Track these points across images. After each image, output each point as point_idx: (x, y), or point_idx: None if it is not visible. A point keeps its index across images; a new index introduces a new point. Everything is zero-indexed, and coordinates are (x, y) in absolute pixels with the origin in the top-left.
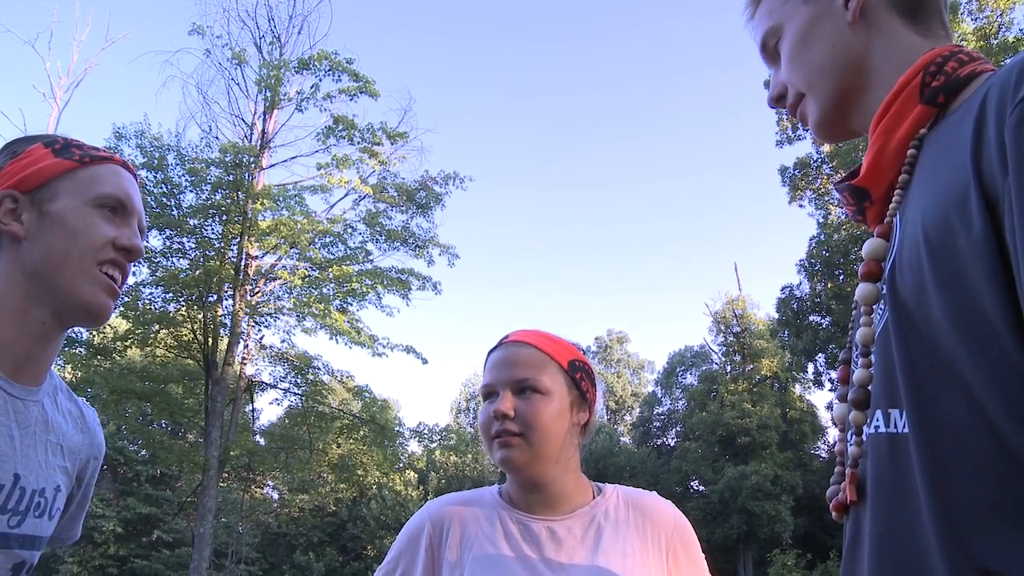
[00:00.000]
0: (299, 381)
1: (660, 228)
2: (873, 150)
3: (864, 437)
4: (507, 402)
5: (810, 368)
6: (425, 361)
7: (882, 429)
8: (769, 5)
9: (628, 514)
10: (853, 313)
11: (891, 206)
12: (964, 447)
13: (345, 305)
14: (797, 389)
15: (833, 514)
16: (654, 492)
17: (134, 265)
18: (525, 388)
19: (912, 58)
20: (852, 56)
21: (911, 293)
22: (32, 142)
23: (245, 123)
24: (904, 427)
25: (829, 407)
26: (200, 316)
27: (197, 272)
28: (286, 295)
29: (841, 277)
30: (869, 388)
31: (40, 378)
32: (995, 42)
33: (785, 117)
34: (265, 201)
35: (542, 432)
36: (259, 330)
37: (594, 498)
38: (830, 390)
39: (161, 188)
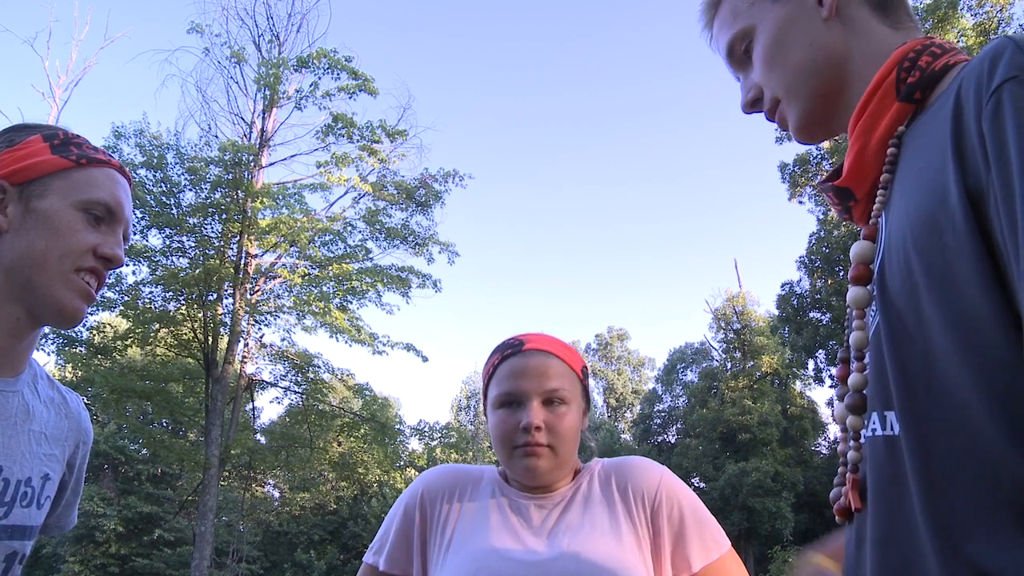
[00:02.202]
0: (299, 379)
1: (660, 225)
2: (853, 151)
3: (862, 440)
4: (538, 414)
5: (810, 364)
6: (425, 359)
7: (879, 432)
8: (732, 8)
9: (609, 480)
10: (847, 314)
11: (875, 207)
12: (954, 448)
13: (345, 303)
14: (798, 386)
15: (836, 518)
16: (644, 457)
17: (133, 263)
18: (554, 399)
19: (886, 52)
20: (831, 55)
21: (900, 294)
22: (32, 132)
23: (244, 121)
24: (900, 429)
25: (829, 403)
26: (200, 315)
27: (197, 271)
28: (286, 293)
29: (841, 274)
30: (864, 392)
31: (19, 368)
32: (995, 38)
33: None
34: (265, 199)
35: (568, 443)
36: (259, 328)
37: (575, 477)
38: (831, 386)
39: (160, 187)
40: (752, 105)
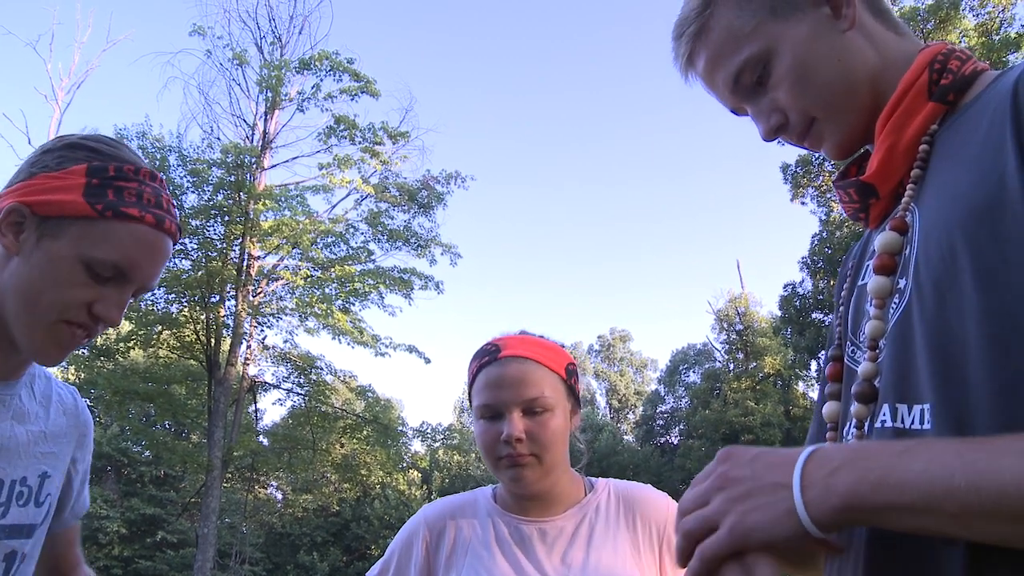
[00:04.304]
0: (302, 381)
1: (662, 226)
2: (883, 148)
3: (866, 431)
4: (518, 425)
5: (813, 366)
6: (428, 360)
7: (888, 424)
8: (731, 33)
9: (619, 509)
10: (840, 310)
11: (904, 200)
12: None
13: (347, 305)
14: (800, 387)
15: None
16: (648, 485)
17: None
18: (535, 408)
19: (902, 57)
20: (863, 66)
21: (940, 285)
22: (82, 159)
23: (246, 123)
24: (913, 423)
25: None
26: (203, 317)
27: (199, 273)
28: (288, 295)
29: None
30: (875, 383)
31: (18, 373)
32: (997, 38)
33: None
34: (267, 201)
35: (553, 449)
36: (262, 330)
37: (586, 495)
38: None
39: None
40: (777, 131)
